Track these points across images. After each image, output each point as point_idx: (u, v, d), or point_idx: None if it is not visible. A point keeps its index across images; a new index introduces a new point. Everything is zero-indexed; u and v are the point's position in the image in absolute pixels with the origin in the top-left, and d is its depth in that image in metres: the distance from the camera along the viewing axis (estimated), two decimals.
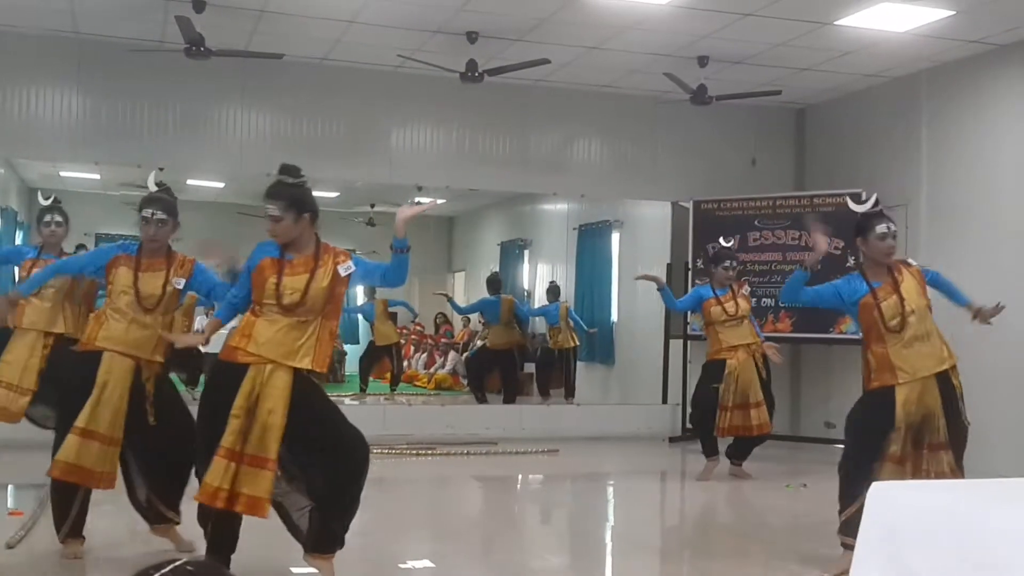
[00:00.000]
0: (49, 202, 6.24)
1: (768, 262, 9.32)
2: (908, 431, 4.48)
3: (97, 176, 12.58)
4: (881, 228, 4.82)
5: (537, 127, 9.59)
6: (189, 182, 12.88)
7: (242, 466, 3.80)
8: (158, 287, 4.38)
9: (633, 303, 11.58)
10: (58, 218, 6.14)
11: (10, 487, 6.24)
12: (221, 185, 12.98)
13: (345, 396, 12.18)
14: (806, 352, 9.99)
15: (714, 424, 7.18)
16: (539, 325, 12.76)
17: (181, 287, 4.45)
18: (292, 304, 3.90)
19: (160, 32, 7.88)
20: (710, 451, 7.39)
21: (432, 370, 13.92)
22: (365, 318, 13.14)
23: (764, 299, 9.30)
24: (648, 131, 9.81)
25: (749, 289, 7.45)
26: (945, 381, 4.64)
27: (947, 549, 1.86)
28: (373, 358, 12.96)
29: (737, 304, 7.18)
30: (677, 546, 5.69)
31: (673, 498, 7.28)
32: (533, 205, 14.14)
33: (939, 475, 4.40)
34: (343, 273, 4.09)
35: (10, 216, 12.38)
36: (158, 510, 4.49)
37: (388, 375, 13.04)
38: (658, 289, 7.41)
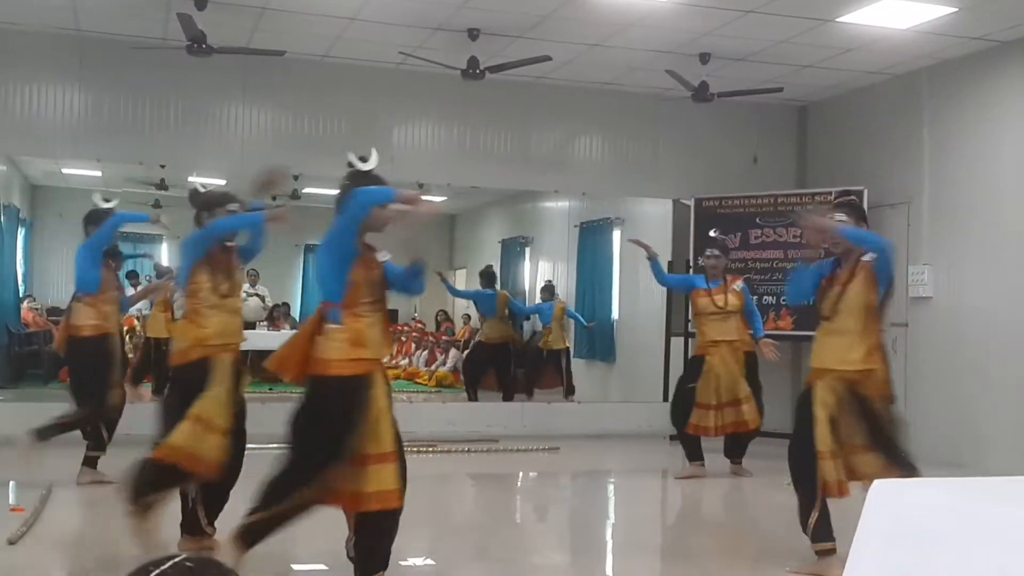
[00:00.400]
0: (110, 204, 6.33)
1: (770, 260, 9.32)
2: (831, 426, 4.41)
3: (99, 173, 12.59)
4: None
5: (538, 124, 9.58)
6: (191, 179, 12.89)
7: (368, 467, 3.79)
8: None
9: (634, 301, 11.57)
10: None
11: (12, 483, 6.24)
12: (223, 182, 12.98)
13: None
14: (807, 350, 9.97)
15: (686, 423, 7.06)
16: (538, 323, 12.76)
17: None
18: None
19: (162, 29, 7.89)
20: (693, 455, 7.24)
21: (433, 367, 13.93)
22: None
23: (766, 296, 9.29)
24: (650, 128, 9.80)
25: (742, 285, 7.31)
26: (853, 384, 4.51)
27: (947, 548, 1.86)
28: None
29: (726, 298, 7.04)
30: (677, 544, 5.69)
31: (674, 496, 7.27)
32: (534, 203, 14.14)
33: (868, 476, 4.23)
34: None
35: (12, 213, 12.39)
36: (196, 519, 4.48)
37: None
38: (648, 258, 7.17)
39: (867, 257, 4.53)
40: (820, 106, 9.99)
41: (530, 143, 9.57)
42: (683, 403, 7.15)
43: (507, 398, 10.55)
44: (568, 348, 11.61)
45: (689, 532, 6.10)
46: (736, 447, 7.43)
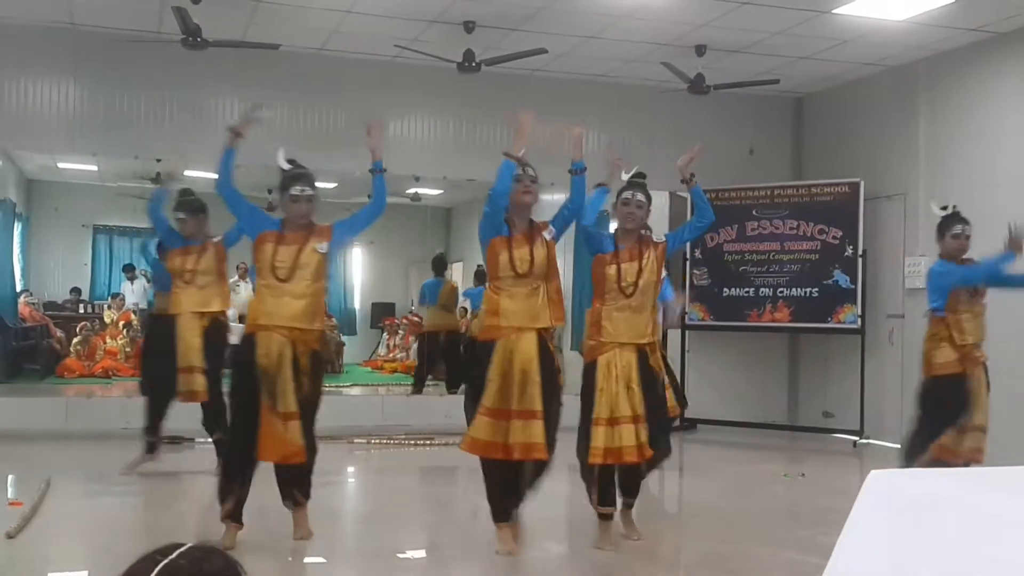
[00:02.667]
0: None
1: (766, 252, 9.33)
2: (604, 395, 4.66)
3: (95, 168, 12.57)
4: (625, 195, 5.09)
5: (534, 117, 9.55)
6: (186, 173, 12.87)
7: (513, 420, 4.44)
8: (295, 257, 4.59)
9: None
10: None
11: (10, 477, 6.25)
12: (217, 176, 12.97)
13: (343, 386, 12.20)
14: (804, 342, 10.01)
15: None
16: None
17: (325, 251, 4.67)
18: (525, 272, 4.58)
19: (157, 23, 7.87)
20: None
21: None
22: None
23: (762, 289, 9.31)
24: (645, 120, 9.79)
25: (665, 274, 7.29)
26: (644, 357, 4.74)
27: (943, 537, 1.87)
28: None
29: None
30: (675, 534, 5.71)
31: (671, 486, 7.28)
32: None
33: (631, 449, 4.61)
34: (548, 237, 4.82)
35: (8, 207, 12.36)
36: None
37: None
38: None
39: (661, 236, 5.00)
40: (816, 98, 9.99)
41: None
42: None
43: (451, 387, 10.47)
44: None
45: (686, 522, 6.11)
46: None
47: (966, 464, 5.46)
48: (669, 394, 6.80)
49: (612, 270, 4.81)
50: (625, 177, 5.13)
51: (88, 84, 8.37)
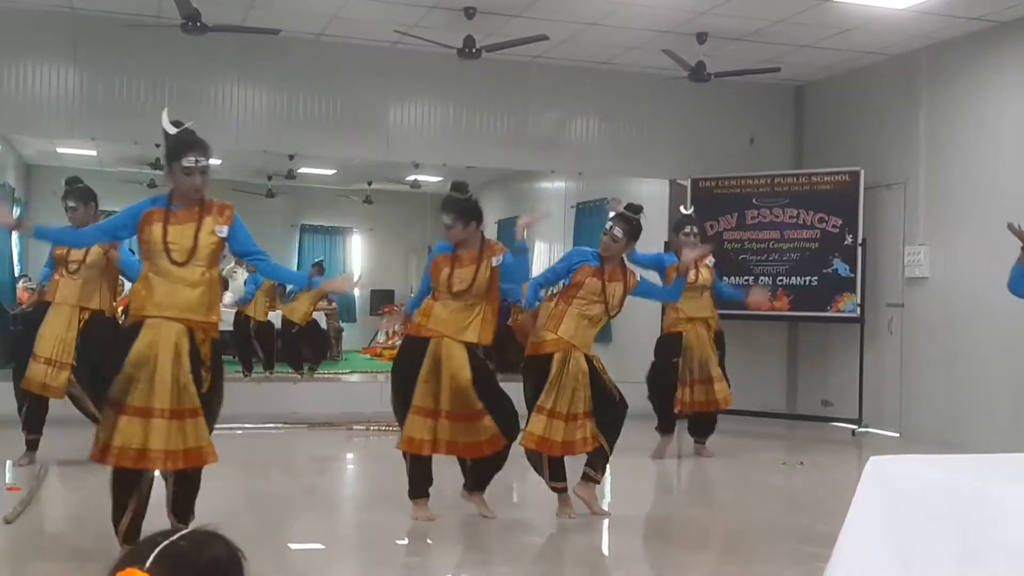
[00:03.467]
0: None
1: (766, 240, 9.32)
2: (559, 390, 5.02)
3: (94, 152, 12.55)
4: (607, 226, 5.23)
5: (535, 104, 9.54)
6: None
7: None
8: (190, 238, 3.98)
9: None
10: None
11: (8, 463, 6.25)
12: (218, 162, 12.94)
13: (342, 373, 12.20)
14: (803, 330, 10.01)
15: (674, 399, 7.04)
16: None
17: (224, 235, 4.06)
18: (461, 291, 4.80)
19: (156, 7, 7.84)
20: (667, 427, 7.24)
21: None
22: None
23: (762, 277, 9.30)
24: (646, 108, 9.77)
25: (714, 261, 7.23)
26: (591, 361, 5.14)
27: (943, 523, 1.87)
28: None
29: (699, 274, 6.94)
30: (673, 522, 5.72)
31: (669, 475, 7.29)
32: (531, 183, 14.11)
33: (580, 443, 5.05)
34: (495, 264, 4.89)
35: (7, 192, 12.34)
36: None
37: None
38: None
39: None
40: (817, 86, 9.96)
41: (526, 123, 9.53)
42: (667, 377, 7.08)
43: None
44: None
45: (685, 511, 6.13)
46: (702, 427, 7.37)
47: None
48: (722, 386, 7.03)
49: (596, 283, 5.10)
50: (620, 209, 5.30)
51: (87, 69, 8.34)
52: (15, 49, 8.19)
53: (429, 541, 4.85)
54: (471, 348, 4.85)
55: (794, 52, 8.79)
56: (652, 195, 10.52)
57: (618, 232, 5.13)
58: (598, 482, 5.34)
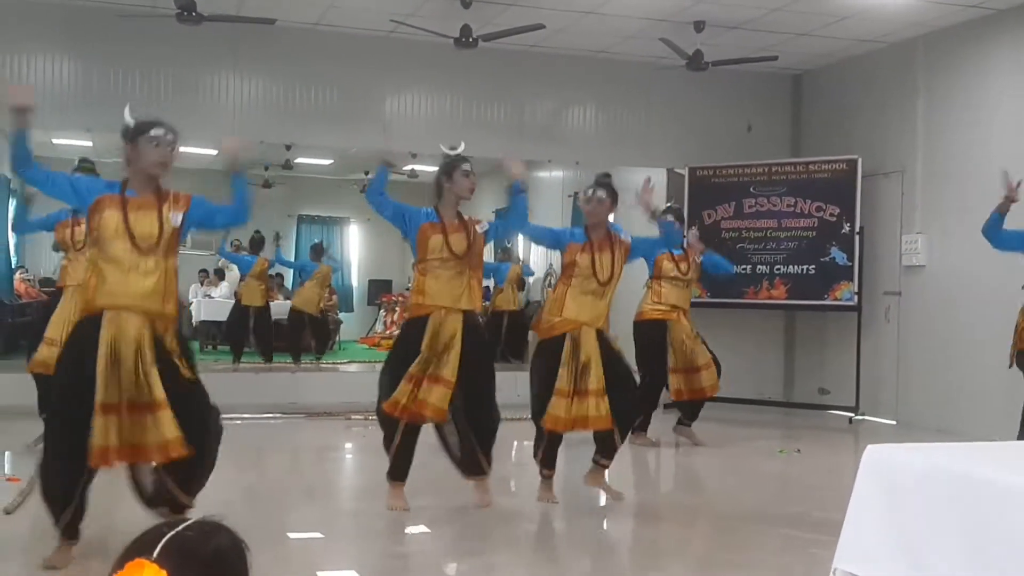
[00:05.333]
0: None
1: (763, 229, 9.32)
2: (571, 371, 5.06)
3: (90, 143, 12.50)
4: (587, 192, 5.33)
5: (532, 93, 9.53)
6: (182, 149, 12.80)
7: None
8: (154, 226, 3.87)
9: (629, 270, 11.55)
10: None
11: (7, 453, 6.25)
12: (214, 152, 12.91)
13: (340, 363, 12.21)
14: (801, 319, 10.02)
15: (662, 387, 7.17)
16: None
17: (179, 224, 3.94)
18: (459, 255, 4.90)
19: None
20: (644, 425, 7.26)
21: None
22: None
23: (759, 266, 9.31)
24: (643, 97, 9.75)
25: (704, 253, 7.35)
26: (601, 335, 5.15)
27: (945, 512, 1.88)
28: None
29: (689, 265, 7.11)
30: (669, 510, 5.73)
31: (667, 463, 7.31)
32: (528, 172, 14.07)
33: (593, 419, 5.06)
34: (479, 231, 5.03)
35: (3, 183, 12.31)
36: (167, 492, 4.00)
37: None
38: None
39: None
40: (815, 75, 9.95)
41: (523, 112, 9.52)
42: (659, 373, 7.11)
43: (320, 352, 11.30)
44: (517, 310, 12.00)
45: (682, 499, 6.15)
46: (691, 412, 7.41)
47: None
48: (709, 373, 7.07)
49: (586, 258, 5.14)
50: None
51: (82, 59, 8.31)
52: (9, 39, 8.16)
53: (428, 530, 4.86)
54: (469, 315, 4.95)
55: (791, 40, 8.78)
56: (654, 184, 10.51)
57: (602, 194, 5.24)
58: (606, 467, 5.37)
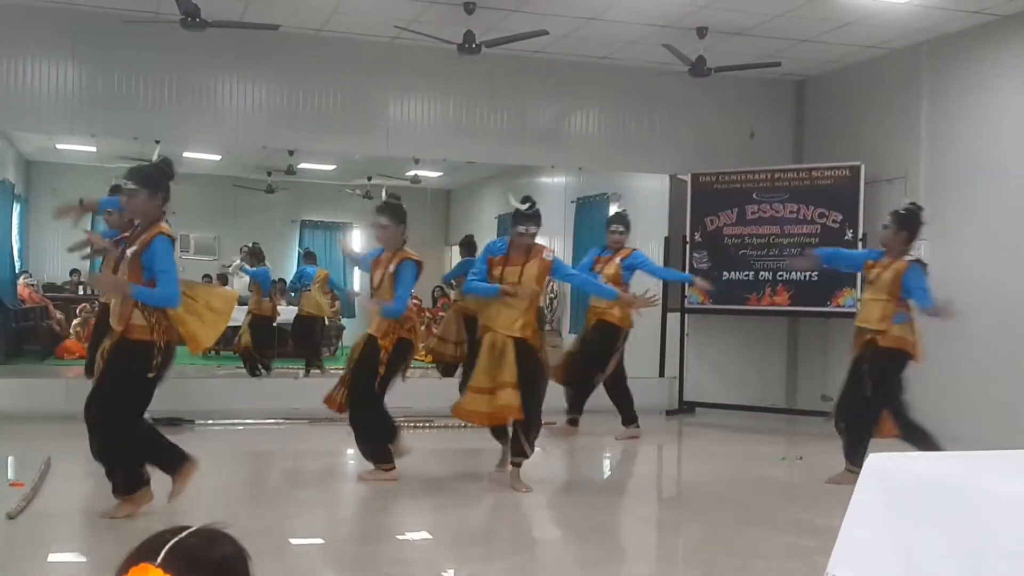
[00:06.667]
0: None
1: (766, 235, 9.31)
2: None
3: (93, 149, 12.52)
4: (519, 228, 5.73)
5: (535, 99, 9.54)
6: (185, 154, 12.79)
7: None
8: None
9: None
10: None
11: (11, 458, 6.26)
12: (218, 157, 12.93)
13: (342, 369, 12.19)
14: (803, 325, 10.01)
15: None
16: None
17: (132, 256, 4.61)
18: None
19: (155, 3, 7.82)
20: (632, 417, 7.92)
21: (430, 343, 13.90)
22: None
23: (762, 272, 9.31)
24: (646, 103, 9.76)
25: (624, 260, 7.71)
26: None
27: (944, 520, 1.88)
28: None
29: (613, 266, 7.62)
30: (673, 516, 5.73)
31: (669, 469, 7.31)
32: (530, 178, 14.08)
33: (502, 409, 5.54)
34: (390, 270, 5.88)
35: (7, 188, 12.35)
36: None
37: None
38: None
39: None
40: (818, 80, 9.95)
41: (526, 118, 9.53)
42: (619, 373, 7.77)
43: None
44: (323, 317, 11.97)
45: (685, 505, 6.14)
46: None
47: None
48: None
49: (499, 271, 5.71)
50: (516, 204, 5.81)
51: (87, 65, 8.33)
52: (14, 44, 8.19)
53: (429, 536, 4.86)
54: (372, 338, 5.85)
55: (794, 47, 8.79)
56: (652, 190, 10.53)
57: (533, 230, 5.74)
58: (518, 465, 5.77)
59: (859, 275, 6.89)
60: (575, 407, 7.91)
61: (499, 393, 5.49)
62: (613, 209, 11.96)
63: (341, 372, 6.25)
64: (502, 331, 5.59)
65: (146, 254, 4.56)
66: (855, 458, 5.82)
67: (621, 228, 7.68)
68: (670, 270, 8.86)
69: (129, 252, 4.61)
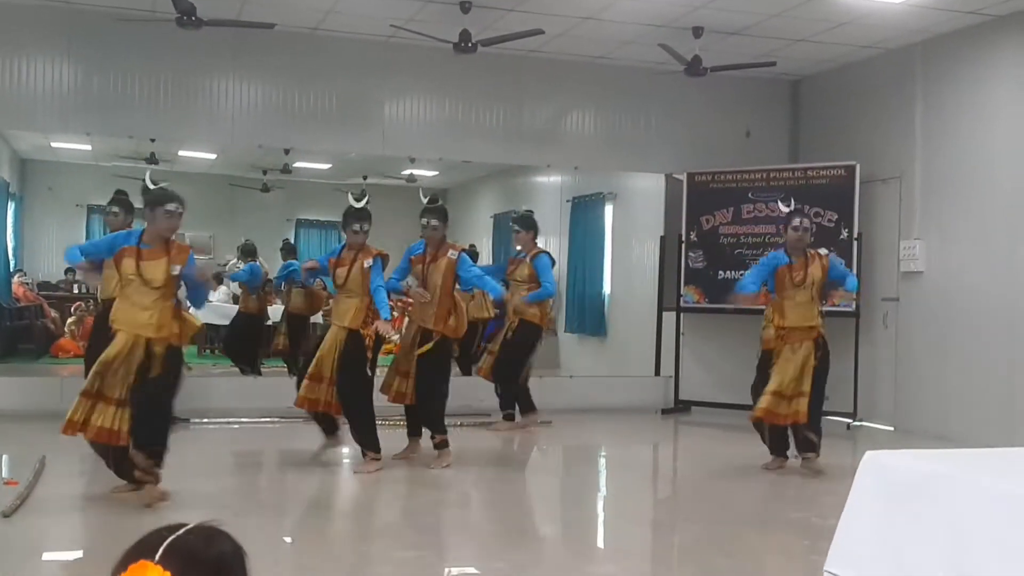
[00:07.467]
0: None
1: (762, 235, 9.32)
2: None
3: (88, 147, 12.52)
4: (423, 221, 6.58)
5: (531, 98, 9.54)
6: (181, 153, 12.81)
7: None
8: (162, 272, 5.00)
9: (626, 275, 11.59)
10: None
11: (5, 457, 6.25)
12: (213, 156, 12.93)
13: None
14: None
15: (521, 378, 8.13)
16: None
17: (177, 273, 5.03)
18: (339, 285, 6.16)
19: (151, 1, 7.81)
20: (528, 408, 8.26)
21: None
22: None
23: None
24: (642, 103, 9.77)
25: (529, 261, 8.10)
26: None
27: (936, 517, 1.88)
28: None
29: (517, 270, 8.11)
30: (668, 515, 5.74)
31: (665, 469, 7.32)
32: (526, 177, 14.11)
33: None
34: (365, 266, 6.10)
35: (2, 187, 12.33)
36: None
37: None
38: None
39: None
40: (813, 80, 9.97)
41: (522, 117, 9.53)
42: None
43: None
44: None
45: (680, 504, 6.15)
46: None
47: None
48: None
49: (418, 269, 6.39)
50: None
51: (82, 63, 8.32)
52: (9, 43, 8.16)
53: (424, 534, 4.86)
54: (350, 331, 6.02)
55: (790, 46, 8.80)
56: (648, 189, 10.54)
57: (435, 222, 6.36)
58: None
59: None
60: (507, 403, 8.22)
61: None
62: (608, 209, 12.02)
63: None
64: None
65: None
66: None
67: (517, 228, 8.15)
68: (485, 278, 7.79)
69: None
